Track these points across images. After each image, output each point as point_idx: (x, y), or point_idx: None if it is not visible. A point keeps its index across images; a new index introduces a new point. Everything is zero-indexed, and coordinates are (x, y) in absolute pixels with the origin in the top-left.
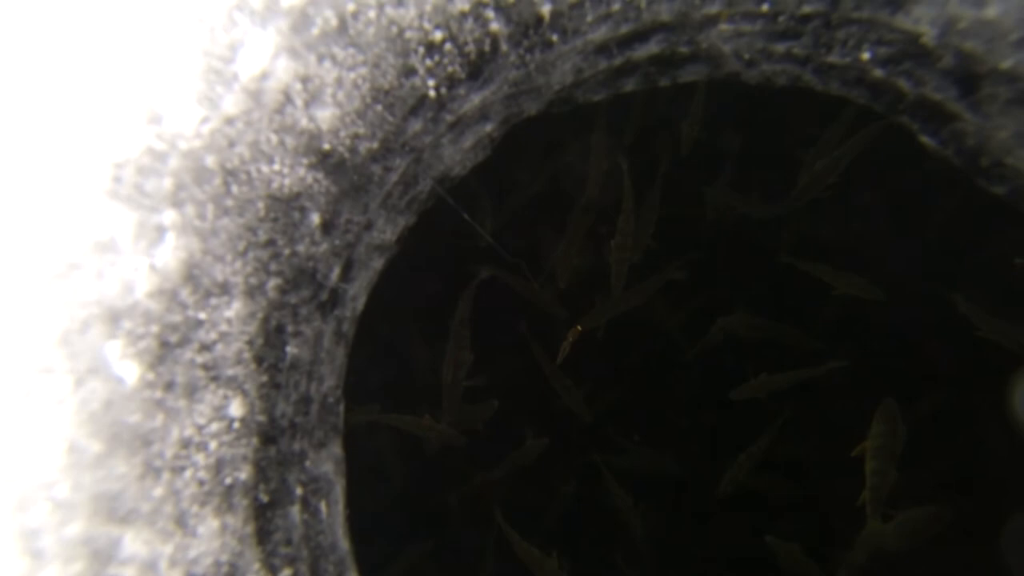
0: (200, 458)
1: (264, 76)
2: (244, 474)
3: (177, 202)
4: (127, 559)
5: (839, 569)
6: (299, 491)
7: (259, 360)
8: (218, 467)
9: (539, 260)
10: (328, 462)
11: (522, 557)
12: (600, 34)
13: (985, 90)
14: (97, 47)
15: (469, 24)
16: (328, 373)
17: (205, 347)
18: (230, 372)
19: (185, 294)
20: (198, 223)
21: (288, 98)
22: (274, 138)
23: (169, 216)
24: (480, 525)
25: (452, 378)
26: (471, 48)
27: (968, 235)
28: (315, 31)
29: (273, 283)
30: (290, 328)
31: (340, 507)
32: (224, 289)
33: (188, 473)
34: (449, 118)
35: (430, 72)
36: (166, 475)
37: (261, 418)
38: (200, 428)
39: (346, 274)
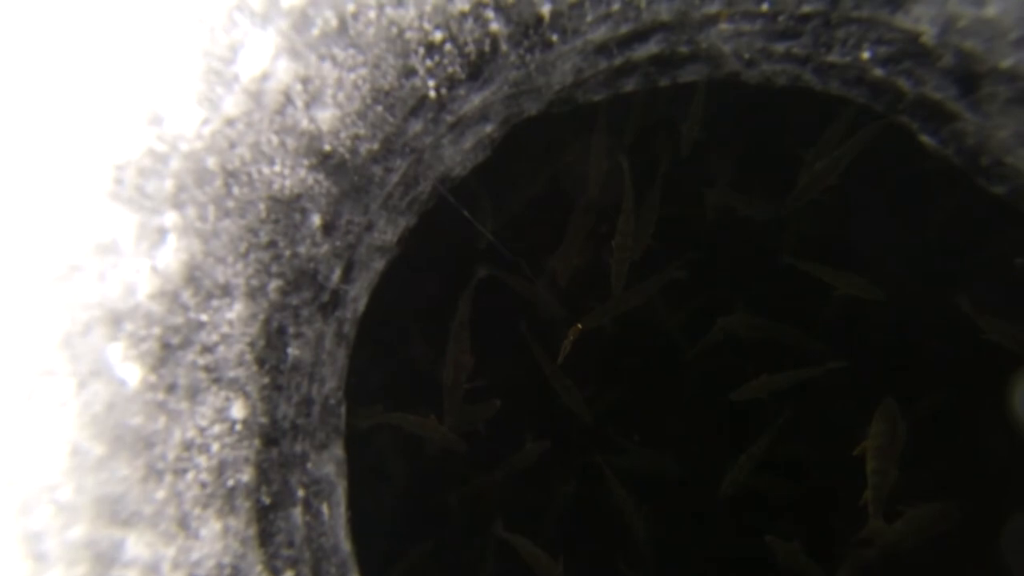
0: (202, 460)
1: (264, 77)
2: (246, 476)
3: (178, 204)
4: (130, 561)
5: (840, 569)
6: (301, 493)
7: (261, 362)
8: (220, 469)
9: (539, 260)
10: (330, 464)
11: (529, 562)
12: (600, 34)
13: (985, 89)
14: (98, 49)
15: (469, 24)
16: (329, 375)
17: (207, 349)
18: (232, 374)
19: (187, 296)
20: (199, 225)
21: (289, 99)
22: (275, 139)
23: (170, 218)
24: (481, 526)
25: (453, 381)
26: (471, 48)
27: (968, 235)
28: (315, 32)
29: (274, 285)
30: (291, 330)
31: (342, 509)
32: (225, 291)
33: (190, 475)
34: (449, 119)
35: (430, 73)
36: (168, 477)
37: (263, 420)
38: (202, 430)
39: (347, 275)
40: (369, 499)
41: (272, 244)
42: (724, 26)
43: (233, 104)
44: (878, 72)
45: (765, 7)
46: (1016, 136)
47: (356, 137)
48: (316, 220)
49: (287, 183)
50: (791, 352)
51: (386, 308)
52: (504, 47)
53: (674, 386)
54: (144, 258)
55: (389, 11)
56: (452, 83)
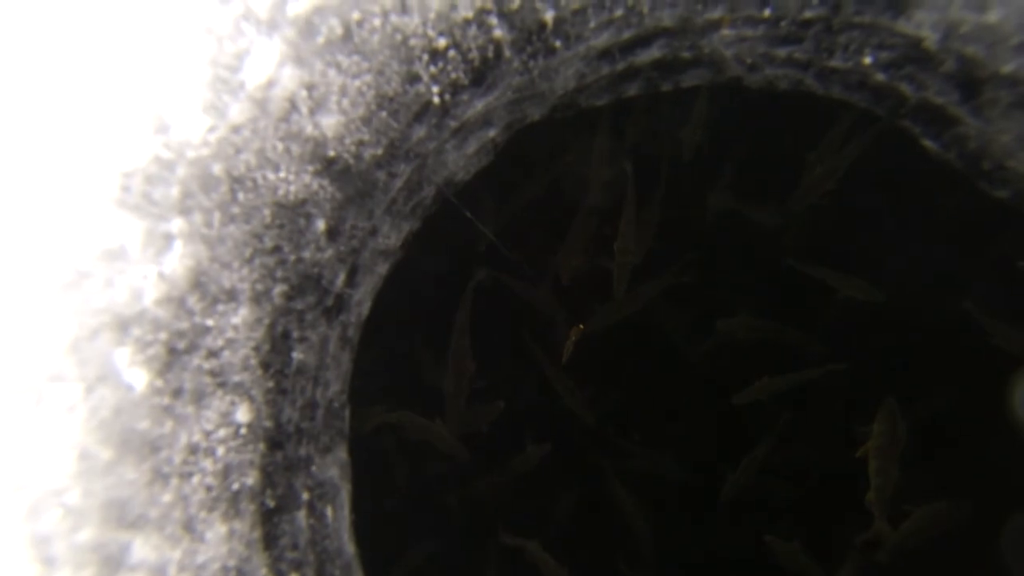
0: (208, 464)
1: (270, 84)
2: (251, 479)
3: (184, 210)
4: (136, 564)
5: (841, 569)
6: (305, 496)
7: (265, 366)
8: (225, 473)
9: (541, 263)
10: (334, 467)
11: (540, 567)
12: (603, 40)
13: (987, 94)
14: (105, 58)
15: (473, 31)
16: (334, 378)
17: (212, 353)
18: (237, 378)
19: (192, 301)
20: (205, 231)
21: (294, 106)
22: (280, 145)
23: (177, 224)
24: (482, 528)
25: (455, 387)
26: (475, 55)
27: (970, 238)
28: (320, 39)
29: (279, 289)
30: (296, 334)
31: (346, 511)
32: (231, 296)
33: (196, 479)
34: (453, 124)
35: (434, 79)
36: (174, 481)
37: (268, 424)
38: (208, 434)
39: (351, 280)
40: (371, 501)
41: (277, 249)
42: (726, 31)
43: (239, 111)
44: (880, 77)
45: (767, 13)
46: (1018, 140)
47: (360, 143)
48: (320, 225)
49: (292, 189)
50: (792, 354)
51: (388, 310)
52: (507, 53)
53: (675, 388)
54: (151, 264)
55: (393, 18)
56: (456, 89)
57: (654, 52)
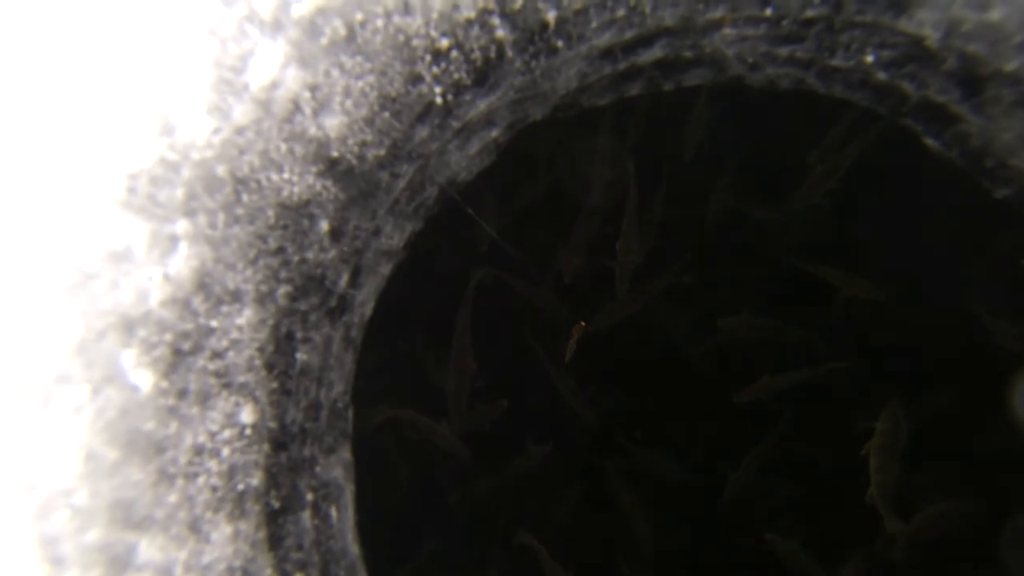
0: (213, 465)
1: (274, 86)
2: (256, 480)
3: (189, 211)
4: (143, 565)
5: (843, 569)
6: (310, 496)
7: (270, 367)
8: (230, 473)
9: (543, 263)
10: (338, 467)
11: (546, 571)
12: (605, 39)
13: (989, 92)
14: (110, 60)
15: (475, 31)
16: (337, 379)
17: (217, 354)
18: (241, 379)
19: (197, 302)
20: (210, 232)
21: (297, 107)
22: (283, 146)
23: (182, 225)
24: (483, 529)
25: (457, 387)
26: (477, 55)
27: (972, 236)
28: (324, 40)
29: (283, 290)
30: (300, 334)
31: (350, 512)
32: (235, 297)
33: (201, 480)
34: (455, 124)
35: (437, 79)
36: (180, 482)
37: (272, 424)
38: (213, 435)
39: (354, 280)
40: (374, 502)
41: (281, 250)
42: (728, 31)
43: (243, 113)
44: (882, 76)
45: (769, 12)
46: (1020, 138)
47: (363, 143)
48: (324, 226)
49: (295, 190)
50: (793, 353)
51: (390, 311)
52: (510, 53)
53: (677, 387)
54: (156, 266)
55: (396, 19)
56: (458, 89)
57: (656, 52)
